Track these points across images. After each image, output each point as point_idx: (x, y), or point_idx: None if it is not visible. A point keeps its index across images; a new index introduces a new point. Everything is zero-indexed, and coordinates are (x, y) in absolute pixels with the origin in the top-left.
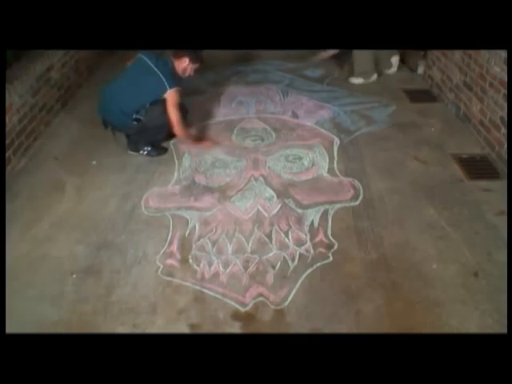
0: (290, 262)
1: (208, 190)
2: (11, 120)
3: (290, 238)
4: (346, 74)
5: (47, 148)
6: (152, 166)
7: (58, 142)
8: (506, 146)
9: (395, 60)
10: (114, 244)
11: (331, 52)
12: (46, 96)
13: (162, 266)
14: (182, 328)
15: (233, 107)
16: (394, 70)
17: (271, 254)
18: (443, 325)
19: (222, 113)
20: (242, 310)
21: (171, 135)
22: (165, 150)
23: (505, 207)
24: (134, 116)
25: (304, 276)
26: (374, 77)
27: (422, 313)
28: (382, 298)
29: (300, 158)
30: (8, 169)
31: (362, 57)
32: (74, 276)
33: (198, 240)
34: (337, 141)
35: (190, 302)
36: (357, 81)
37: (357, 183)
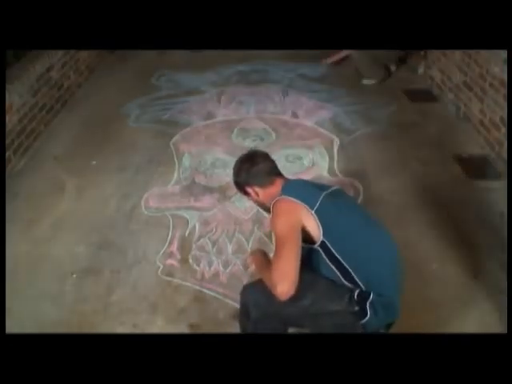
0: None
1: (208, 190)
2: (11, 120)
3: None
4: (347, 74)
5: (47, 148)
6: (152, 166)
7: (58, 142)
8: (506, 145)
9: (393, 66)
10: (114, 244)
11: (343, 54)
12: (46, 96)
13: (161, 266)
14: (182, 328)
15: (233, 107)
16: (392, 70)
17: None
18: (443, 325)
19: (222, 113)
20: None
21: None
22: None
23: (505, 207)
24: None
25: None
26: (385, 74)
27: (422, 313)
28: None
29: (300, 158)
30: (8, 169)
31: (363, 61)
32: (74, 276)
33: (198, 240)
34: (337, 141)
35: (190, 302)
36: (369, 81)
37: (357, 183)
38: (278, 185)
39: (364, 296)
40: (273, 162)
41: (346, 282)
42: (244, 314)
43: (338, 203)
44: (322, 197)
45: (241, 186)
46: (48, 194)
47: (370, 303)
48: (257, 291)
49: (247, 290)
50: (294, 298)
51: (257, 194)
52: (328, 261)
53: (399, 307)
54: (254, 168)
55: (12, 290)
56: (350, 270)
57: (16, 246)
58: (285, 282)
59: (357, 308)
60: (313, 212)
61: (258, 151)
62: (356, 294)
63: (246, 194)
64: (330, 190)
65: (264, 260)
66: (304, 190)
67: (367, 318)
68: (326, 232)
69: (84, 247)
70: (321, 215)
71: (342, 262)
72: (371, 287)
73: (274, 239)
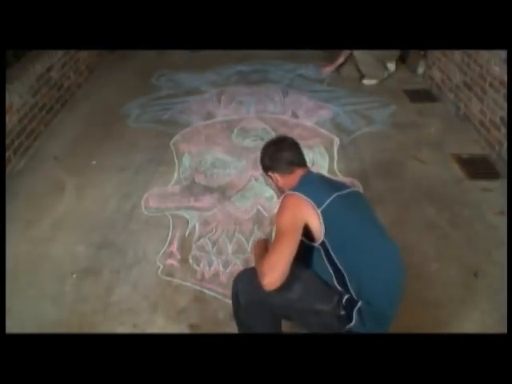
0: None
1: (208, 189)
2: (11, 120)
3: None
4: (347, 74)
5: (47, 148)
6: (152, 166)
7: (58, 141)
8: (506, 145)
9: (392, 65)
10: (114, 244)
11: (341, 60)
12: (46, 96)
13: (162, 266)
14: (182, 328)
15: (233, 107)
16: (391, 69)
17: None
18: (443, 325)
19: (222, 113)
20: None
21: None
22: None
23: (505, 207)
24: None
25: None
26: (386, 74)
27: (422, 313)
28: None
29: None
30: (8, 169)
31: (365, 61)
32: (74, 276)
33: (198, 240)
34: (337, 141)
35: (190, 302)
36: (369, 82)
37: (357, 183)
38: (297, 176)
39: (352, 302)
40: (298, 151)
41: (337, 286)
42: (235, 299)
43: (349, 207)
44: (332, 198)
45: (264, 169)
46: (48, 193)
47: (357, 310)
48: (247, 278)
49: (239, 275)
50: (281, 290)
51: (277, 179)
52: (326, 261)
53: (391, 319)
54: (276, 154)
55: (12, 290)
56: (344, 275)
57: (16, 246)
58: (273, 273)
59: (343, 312)
60: (319, 211)
61: (287, 137)
62: (344, 299)
63: (269, 177)
64: (345, 192)
65: (264, 249)
66: (316, 188)
67: (352, 325)
68: (328, 233)
69: (84, 247)
70: (326, 216)
71: (339, 265)
72: (361, 296)
73: (274, 231)
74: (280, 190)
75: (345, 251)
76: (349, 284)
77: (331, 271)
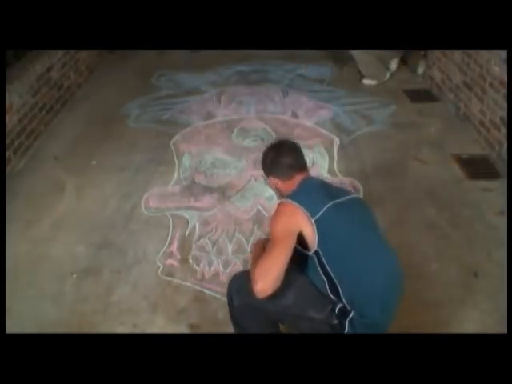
0: None
1: (208, 190)
2: (11, 120)
3: None
4: (345, 75)
5: (47, 148)
6: (152, 166)
7: (58, 142)
8: (506, 145)
9: (394, 63)
10: (114, 244)
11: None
12: (46, 96)
13: (161, 266)
14: (182, 328)
15: (233, 107)
16: (393, 69)
17: None
18: (443, 325)
19: (222, 113)
20: None
21: None
22: None
23: (505, 207)
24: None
25: None
26: (388, 75)
27: (422, 313)
28: None
29: None
30: (8, 169)
31: (364, 61)
32: (74, 276)
33: (198, 240)
34: (337, 141)
35: (190, 302)
36: (369, 82)
37: (357, 183)
38: (296, 181)
39: (345, 312)
40: (298, 155)
41: (331, 294)
42: (229, 301)
43: (346, 215)
44: (327, 206)
45: (265, 173)
46: (48, 193)
47: (350, 320)
48: (241, 281)
49: (234, 278)
50: (275, 297)
51: (277, 184)
52: (319, 269)
53: (385, 327)
54: (276, 159)
55: (12, 290)
56: (337, 284)
57: (16, 246)
58: (264, 281)
59: (335, 321)
60: (312, 221)
61: (286, 142)
62: (337, 308)
63: (270, 180)
64: (342, 199)
65: (262, 250)
66: (313, 196)
67: (345, 333)
68: (322, 243)
69: (84, 247)
70: (320, 225)
71: (332, 275)
72: (353, 307)
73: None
74: (280, 194)
75: (339, 261)
76: (341, 293)
77: (324, 279)
